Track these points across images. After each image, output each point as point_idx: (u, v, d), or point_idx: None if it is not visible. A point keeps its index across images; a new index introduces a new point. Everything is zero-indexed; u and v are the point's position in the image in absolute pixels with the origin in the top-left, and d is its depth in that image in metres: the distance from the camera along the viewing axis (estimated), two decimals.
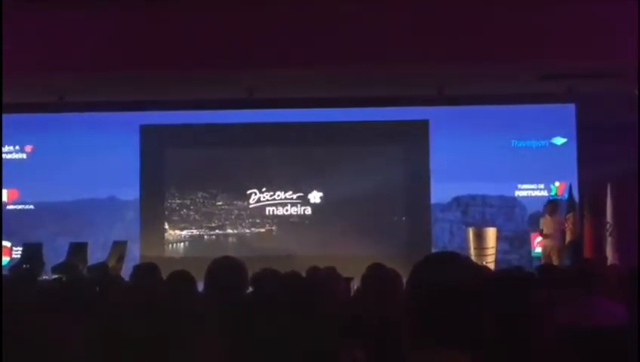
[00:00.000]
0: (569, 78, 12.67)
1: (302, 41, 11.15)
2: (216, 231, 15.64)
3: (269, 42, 11.21)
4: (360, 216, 15.21)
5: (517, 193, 15.46)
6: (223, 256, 5.07)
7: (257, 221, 15.55)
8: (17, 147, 15.51)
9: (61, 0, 10.70)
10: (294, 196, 15.55)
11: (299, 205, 15.55)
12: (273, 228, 15.60)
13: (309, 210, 15.50)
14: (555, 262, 13.48)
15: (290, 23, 11.07)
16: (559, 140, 15.37)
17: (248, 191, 15.52)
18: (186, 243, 15.54)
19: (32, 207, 15.46)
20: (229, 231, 15.56)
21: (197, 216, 15.60)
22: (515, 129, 15.30)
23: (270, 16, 10.94)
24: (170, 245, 15.47)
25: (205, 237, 15.61)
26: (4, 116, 14.22)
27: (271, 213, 15.56)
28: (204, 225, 15.61)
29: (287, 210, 15.57)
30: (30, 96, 13.94)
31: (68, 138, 15.34)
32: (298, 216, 15.56)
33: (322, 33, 11.14)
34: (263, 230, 15.55)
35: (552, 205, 14.37)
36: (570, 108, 15.01)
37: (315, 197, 15.49)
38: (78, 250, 14.17)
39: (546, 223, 14.24)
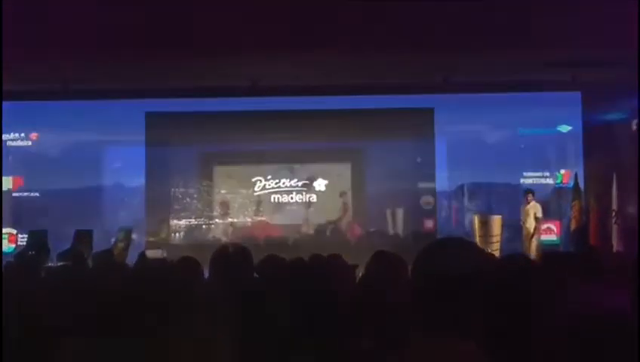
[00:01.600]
0: (573, 66, 12.66)
1: (305, 29, 11.13)
2: (221, 218, 15.71)
3: (272, 30, 11.20)
4: (365, 203, 15.33)
5: (523, 181, 15.51)
6: (228, 241, 5.11)
7: (261, 208, 15.61)
8: (22, 134, 15.56)
9: None
10: (299, 183, 15.61)
11: (304, 193, 15.61)
12: (277, 215, 15.67)
13: (314, 198, 15.56)
14: (527, 248, 13.82)
15: (294, 11, 11.04)
16: (565, 128, 15.41)
17: (253, 179, 15.57)
18: (191, 230, 15.56)
19: (37, 194, 15.51)
20: (234, 218, 15.61)
21: (200, 204, 15.65)
22: (522, 117, 15.34)
23: (274, 3, 10.90)
24: (176, 232, 15.49)
25: (210, 224, 15.66)
26: (10, 103, 14.26)
27: (276, 200, 15.61)
28: (208, 212, 15.67)
29: (292, 198, 15.62)
30: (35, 84, 13.94)
31: (73, 125, 15.35)
32: (303, 203, 15.61)
33: (325, 21, 11.12)
34: (267, 217, 15.61)
35: (526, 194, 14.75)
36: (576, 96, 15.01)
37: (320, 184, 15.55)
38: (83, 237, 14.23)
39: (523, 212, 14.68)
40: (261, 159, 15.63)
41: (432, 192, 15.48)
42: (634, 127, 14.01)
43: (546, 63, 12.53)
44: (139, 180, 15.55)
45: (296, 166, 15.69)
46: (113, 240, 14.23)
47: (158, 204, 15.54)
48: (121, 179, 15.57)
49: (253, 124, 15.27)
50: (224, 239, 14.66)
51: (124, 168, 15.48)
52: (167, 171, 15.67)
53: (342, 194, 15.77)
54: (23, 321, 3.06)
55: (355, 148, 15.72)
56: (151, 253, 10.53)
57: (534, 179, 15.50)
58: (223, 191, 15.68)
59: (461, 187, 15.62)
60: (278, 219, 15.61)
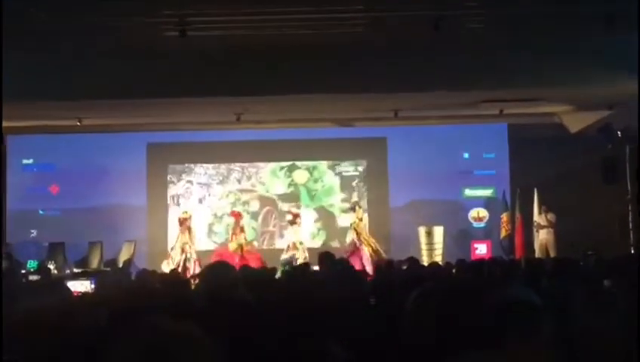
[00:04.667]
0: (502, 101, 12.82)
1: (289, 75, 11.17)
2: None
3: (256, 74, 11.22)
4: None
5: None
6: (217, 261, 5.12)
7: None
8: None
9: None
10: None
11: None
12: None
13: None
14: None
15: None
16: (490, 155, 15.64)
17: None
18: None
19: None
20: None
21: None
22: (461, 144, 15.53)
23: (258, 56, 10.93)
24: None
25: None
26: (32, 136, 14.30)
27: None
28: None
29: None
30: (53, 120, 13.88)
31: (86, 155, 15.39)
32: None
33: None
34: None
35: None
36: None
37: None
38: (55, 249, 14.03)
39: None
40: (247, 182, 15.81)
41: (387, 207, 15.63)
42: None
43: (481, 101, 12.66)
44: (142, 200, 15.60)
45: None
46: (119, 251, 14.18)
47: (157, 221, 15.55)
48: (125, 199, 15.46)
49: (241, 151, 15.53)
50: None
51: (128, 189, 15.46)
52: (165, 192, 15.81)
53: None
54: None
55: None
56: None
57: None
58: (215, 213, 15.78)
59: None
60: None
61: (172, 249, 13.99)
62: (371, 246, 13.75)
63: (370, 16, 9.41)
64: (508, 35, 10.12)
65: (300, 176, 15.84)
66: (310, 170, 15.84)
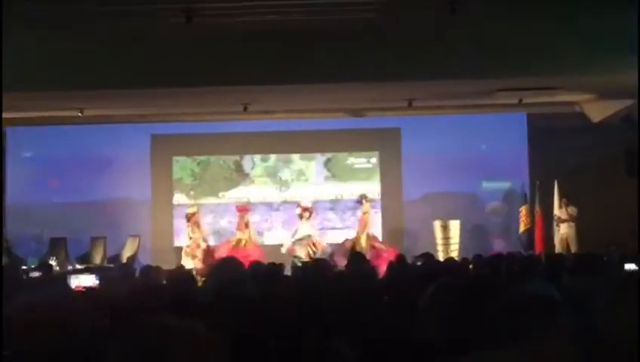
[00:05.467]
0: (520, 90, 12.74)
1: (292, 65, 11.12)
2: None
3: (264, 63, 11.18)
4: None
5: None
6: (225, 257, 5.16)
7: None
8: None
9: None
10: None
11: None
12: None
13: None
14: None
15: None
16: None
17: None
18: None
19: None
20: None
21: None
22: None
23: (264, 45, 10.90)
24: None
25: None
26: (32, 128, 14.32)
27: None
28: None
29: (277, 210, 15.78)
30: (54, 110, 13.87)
31: (88, 147, 15.40)
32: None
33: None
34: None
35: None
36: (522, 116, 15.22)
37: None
38: (57, 245, 14.00)
39: None
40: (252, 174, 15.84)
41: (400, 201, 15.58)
42: None
43: (498, 89, 12.58)
44: (146, 193, 15.61)
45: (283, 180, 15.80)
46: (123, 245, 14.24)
47: (162, 214, 15.59)
48: (129, 192, 15.51)
49: (246, 143, 15.54)
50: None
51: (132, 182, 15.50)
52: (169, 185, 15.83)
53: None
54: None
55: None
56: None
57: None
58: (221, 202, 15.79)
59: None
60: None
61: (188, 246, 14.10)
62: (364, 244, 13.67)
63: (382, 0, 9.37)
64: (525, 21, 10.05)
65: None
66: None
